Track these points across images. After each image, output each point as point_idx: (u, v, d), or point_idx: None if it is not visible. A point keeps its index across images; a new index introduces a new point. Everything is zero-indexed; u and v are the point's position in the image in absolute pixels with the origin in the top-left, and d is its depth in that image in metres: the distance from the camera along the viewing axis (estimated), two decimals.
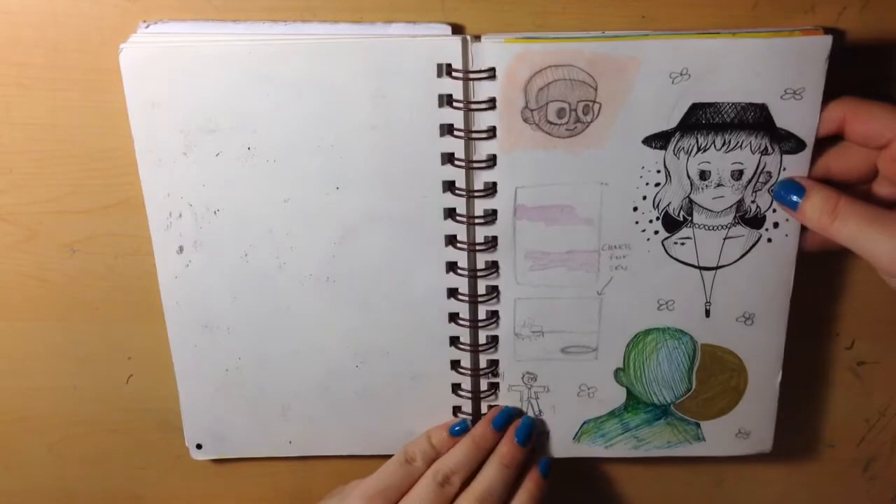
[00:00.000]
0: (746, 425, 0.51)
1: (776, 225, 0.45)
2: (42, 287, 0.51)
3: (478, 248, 0.47)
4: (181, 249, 0.48)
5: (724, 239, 0.46)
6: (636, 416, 0.51)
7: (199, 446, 0.54)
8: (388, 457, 0.53)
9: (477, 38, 0.43)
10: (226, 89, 0.44)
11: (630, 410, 0.51)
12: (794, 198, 0.43)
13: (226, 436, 0.53)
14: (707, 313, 0.48)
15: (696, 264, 0.47)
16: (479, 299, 0.48)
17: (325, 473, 0.56)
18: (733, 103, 0.42)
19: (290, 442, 0.53)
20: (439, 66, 0.43)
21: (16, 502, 0.58)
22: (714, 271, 0.47)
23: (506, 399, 0.51)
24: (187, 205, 0.47)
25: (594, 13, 0.44)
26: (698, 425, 0.51)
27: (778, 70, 0.41)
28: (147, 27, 0.45)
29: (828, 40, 0.41)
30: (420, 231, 0.47)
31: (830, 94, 0.43)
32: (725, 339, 0.49)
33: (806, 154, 0.43)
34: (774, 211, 0.45)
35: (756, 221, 0.45)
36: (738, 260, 0.46)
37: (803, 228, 0.45)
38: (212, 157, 0.46)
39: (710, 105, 0.43)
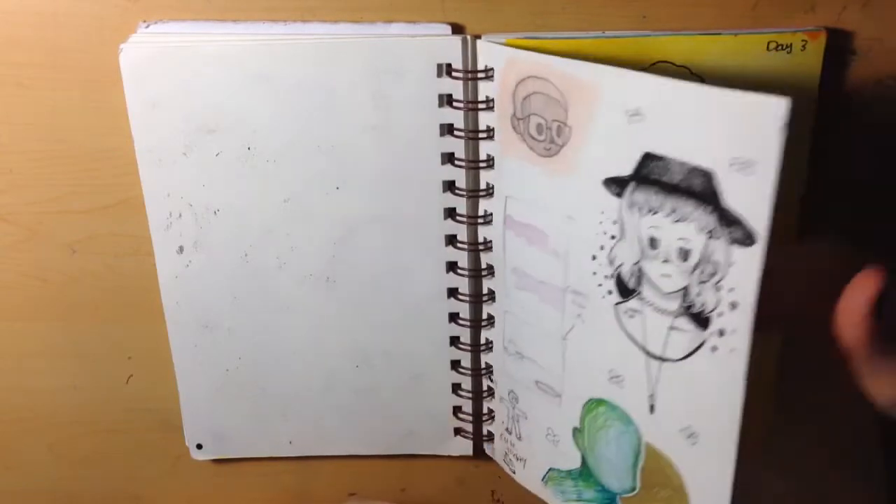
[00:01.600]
0: None
1: (721, 333, 0.35)
2: (42, 287, 0.51)
3: (479, 247, 0.47)
4: (181, 249, 0.48)
5: (670, 328, 0.37)
6: (588, 489, 0.45)
7: (199, 446, 0.54)
8: (389, 457, 0.53)
9: (477, 37, 0.43)
10: (226, 89, 0.44)
11: (584, 479, 0.45)
12: None
13: (226, 436, 0.53)
14: (651, 409, 0.40)
15: (644, 346, 0.39)
16: (482, 299, 0.48)
17: (325, 473, 0.56)
18: (681, 163, 0.34)
19: (291, 442, 0.53)
20: (439, 66, 0.43)
21: (16, 502, 0.58)
22: (660, 362, 0.38)
23: (498, 406, 0.51)
24: (187, 205, 0.47)
25: (594, 13, 0.43)
26: None
27: (726, 129, 0.32)
28: (147, 27, 0.45)
29: (782, 105, 0.30)
30: (420, 231, 0.47)
31: (832, 96, 0.43)
32: (668, 449, 0.40)
33: (757, 251, 0.32)
34: (720, 315, 0.35)
35: (701, 320, 0.36)
36: (681, 359, 0.37)
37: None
38: (212, 157, 0.46)
39: (659, 159, 0.35)
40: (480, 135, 0.44)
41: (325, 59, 0.43)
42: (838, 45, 0.43)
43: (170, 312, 0.50)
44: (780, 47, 0.42)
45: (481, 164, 0.45)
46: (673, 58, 0.43)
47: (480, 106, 0.43)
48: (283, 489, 0.57)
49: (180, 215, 0.47)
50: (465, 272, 0.48)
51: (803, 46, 0.42)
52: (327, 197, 0.46)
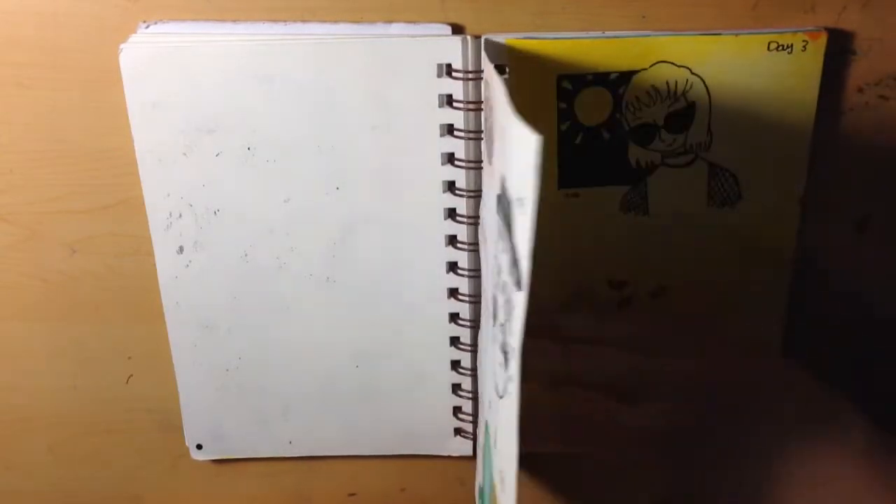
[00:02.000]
0: None
1: (510, 379, 0.30)
2: (42, 287, 0.51)
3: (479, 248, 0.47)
4: (181, 249, 0.48)
5: (498, 363, 0.33)
6: None
7: (199, 446, 0.54)
8: (389, 457, 0.53)
9: (477, 37, 0.43)
10: (226, 89, 0.44)
11: (483, 502, 0.42)
12: None
13: (226, 436, 0.53)
14: (495, 443, 0.36)
15: (494, 376, 0.35)
16: (482, 299, 0.48)
17: (325, 473, 0.56)
18: (508, 190, 0.30)
19: (290, 442, 0.53)
20: (439, 66, 0.43)
21: (16, 502, 0.58)
22: (498, 396, 0.34)
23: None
24: (187, 205, 0.47)
25: (594, 13, 0.44)
26: None
27: (522, 159, 0.27)
28: (147, 27, 0.45)
29: (534, 141, 0.25)
30: (420, 231, 0.47)
31: (832, 99, 0.43)
32: (498, 490, 0.35)
33: (520, 301, 0.28)
34: (513, 358, 0.30)
35: (507, 360, 0.31)
36: (501, 398, 0.33)
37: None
38: (212, 157, 0.46)
39: (503, 184, 0.31)
40: (481, 135, 0.44)
41: (325, 59, 0.43)
42: (838, 45, 0.43)
43: (170, 312, 0.50)
44: (780, 47, 0.42)
45: (482, 165, 0.45)
46: (673, 58, 0.43)
47: (481, 106, 0.43)
48: (283, 489, 0.57)
49: (180, 215, 0.47)
50: (465, 272, 0.48)
51: (804, 47, 0.42)
52: (327, 197, 0.46)
